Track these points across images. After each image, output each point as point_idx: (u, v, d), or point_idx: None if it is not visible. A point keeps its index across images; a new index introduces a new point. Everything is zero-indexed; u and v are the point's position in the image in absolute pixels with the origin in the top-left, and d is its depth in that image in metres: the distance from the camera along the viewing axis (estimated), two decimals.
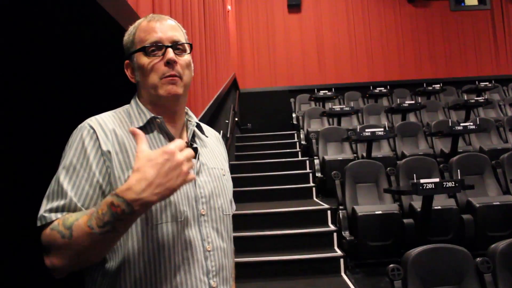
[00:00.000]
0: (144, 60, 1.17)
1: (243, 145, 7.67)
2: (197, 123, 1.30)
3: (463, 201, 4.49)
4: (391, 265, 2.65)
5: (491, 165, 4.96)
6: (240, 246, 4.41)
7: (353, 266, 4.26)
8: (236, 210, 4.39)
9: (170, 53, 1.16)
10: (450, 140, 5.90)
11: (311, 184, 5.84)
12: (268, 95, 10.12)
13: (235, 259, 4.09)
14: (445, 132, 5.71)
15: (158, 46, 1.17)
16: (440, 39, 10.64)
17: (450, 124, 5.68)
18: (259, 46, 10.38)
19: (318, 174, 5.92)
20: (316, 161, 6.18)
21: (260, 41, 10.40)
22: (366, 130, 5.47)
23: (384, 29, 10.56)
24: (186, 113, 1.29)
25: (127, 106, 1.25)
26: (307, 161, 6.50)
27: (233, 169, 6.32)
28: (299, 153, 7.12)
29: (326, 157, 5.93)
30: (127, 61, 1.24)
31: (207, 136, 1.34)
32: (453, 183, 3.62)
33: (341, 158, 5.80)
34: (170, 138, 1.19)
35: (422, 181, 3.59)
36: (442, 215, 4.23)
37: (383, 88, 9.04)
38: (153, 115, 1.19)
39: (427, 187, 3.57)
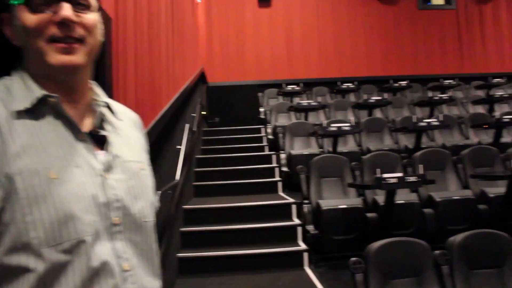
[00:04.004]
0: (28, 17, 0.86)
1: (210, 139, 7.61)
2: (106, 103, 1.00)
3: (425, 195, 4.57)
4: (353, 259, 2.67)
5: (452, 160, 5.07)
6: (204, 240, 4.40)
7: (317, 260, 4.28)
8: (201, 204, 4.34)
9: (66, 10, 0.86)
10: (414, 136, 5.99)
11: (277, 178, 5.84)
12: (237, 89, 10.07)
13: (198, 253, 4.03)
14: (409, 128, 5.80)
15: (47, 0, 0.87)
16: (407, 37, 10.78)
17: (414, 120, 5.76)
18: (229, 40, 10.30)
19: (284, 169, 5.93)
20: (283, 156, 6.18)
21: (230, 34, 10.33)
22: (332, 125, 5.50)
23: (352, 25, 10.63)
24: (91, 90, 0.99)
25: (6, 80, 0.91)
26: (274, 156, 6.49)
27: (199, 163, 6.27)
28: (266, 147, 7.11)
29: (293, 152, 5.94)
30: (4, 15, 0.91)
31: (121, 120, 1.03)
32: (415, 178, 3.68)
33: (307, 153, 5.81)
34: (70, 124, 0.89)
35: (385, 175, 3.63)
36: (405, 209, 4.29)
37: (350, 84, 9.11)
38: (45, 92, 0.88)
39: (390, 182, 3.61)
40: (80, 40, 0.89)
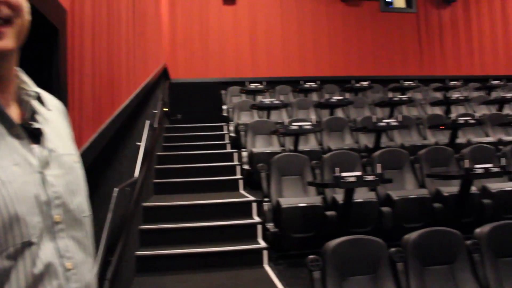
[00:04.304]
0: None
1: (172, 136, 7.53)
2: (37, 92, 0.92)
3: (383, 194, 4.66)
4: (310, 256, 2.70)
5: (410, 160, 5.19)
6: (164, 238, 4.35)
7: (277, 258, 4.30)
8: (161, 202, 4.29)
9: None
10: (374, 136, 6.10)
11: (238, 176, 5.83)
12: (200, 86, 10.00)
13: (157, 251, 3.98)
14: (369, 128, 5.91)
15: None
16: (369, 38, 10.96)
17: (374, 121, 5.86)
18: (192, 37, 10.21)
19: (246, 167, 5.93)
20: (244, 154, 6.18)
21: (194, 31, 10.24)
22: (294, 123, 5.54)
23: (316, 25, 10.72)
24: (18, 78, 0.89)
25: None
26: (236, 154, 6.48)
27: (160, 160, 6.20)
28: (228, 145, 7.09)
29: (254, 150, 5.94)
30: None
31: (50, 110, 0.95)
32: (373, 177, 3.74)
33: (268, 151, 5.83)
34: (2, 117, 0.80)
35: (343, 174, 3.68)
36: (363, 207, 4.36)
37: (313, 83, 9.19)
38: None
39: (348, 180, 3.67)
40: (7, 21, 0.79)
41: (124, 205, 3.51)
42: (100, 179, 2.83)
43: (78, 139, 2.21)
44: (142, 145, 4.48)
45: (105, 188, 2.90)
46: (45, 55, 1.75)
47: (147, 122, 5.11)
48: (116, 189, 2.93)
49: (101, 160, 2.80)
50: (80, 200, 0.91)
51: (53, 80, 1.76)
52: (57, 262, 0.81)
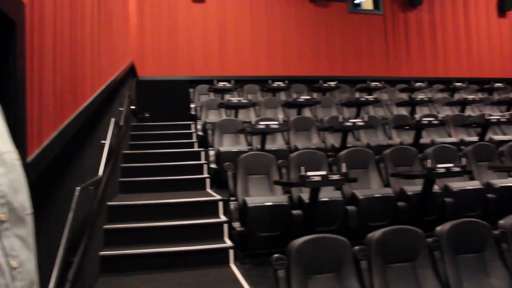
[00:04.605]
0: None
1: (139, 134, 7.44)
2: None
3: (349, 193, 4.72)
4: (275, 255, 2.71)
5: (375, 159, 5.26)
6: (130, 238, 4.29)
7: (243, 257, 4.30)
8: (126, 201, 4.22)
9: None
10: (341, 135, 6.17)
11: (206, 175, 5.80)
12: (168, 84, 9.89)
13: (122, 251, 3.91)
14: (335, 128, 5.96)
15: None
16: (338, 39, 11.07)
17: (340, 120, 5.92)
18: (161, 34, 10.10)
19: (213, 165, 5.91)
20: (211, 152, 6.16)
21: (162, 28, 10.12)
22: (261, 123, 5.55)
23: (285, 25, 10.77)
24: None
25: None
26: (203, 152, 6.45)
27: (126, 158, 6.11)
28: (196, 143, 7.05)
29: (221, 149, 5.93)
30: None
31: None
32: (338, 176, 3.78)
33: (236, 150, 5.82)
34: None
35: (309, 173, 3.70)
36: (329, 206, 4.41)
37: (281, 83, 9.22)
38: None
39: (314, 180, 3.70)
40: None
41: (88, 204, 3.45)
42: (61, 178, 2.76)
43: (38, 137, 2.16)
44: (107, 143, 4.41)
45: (67, 187, 2.84)
46: (1, 50, 1.69)
47: (113, 120, 5.03)
48: (78, 188, 2.87)
49: (63, 159, 2.74)
50: (23, 198, 0.89)
51: (9, 76, 1.71)
52: (3, 261, 0.80)
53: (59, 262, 2.31)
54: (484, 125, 6.56)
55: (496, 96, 10.21)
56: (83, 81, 3.40)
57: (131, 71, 7.85)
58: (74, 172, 3.13)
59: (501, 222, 3.26)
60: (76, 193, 2.83)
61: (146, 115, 9.14)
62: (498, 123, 6.59)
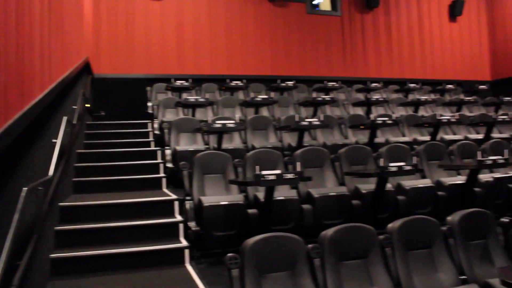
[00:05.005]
0: None
1: (94, 133, 7.27)
2: None
3: (305, 192, 4.76)
4: (229, 254, 2.71)
5: (331, 158, 5.33)
6: (82, 239, 4.18)
7: (199, 257, 4.28)
8: (80, 201, 4.11)
9: None
10: (297, 135, 6.22)
11: (162, 174, 5.73)
12: (125, 82, 9.72)
13: (74, 253, 3.80)
14: (292, 127, 6.00)
15: None
16: (296, 39, 11.17)
17: (296, 120, 5.97)
18: (117, 31, 9.89)
19: (169, 165, 5.84)
20: (168, 152, 6.09)
21: (119, 25, 9.92)
22: (217, 122, 5.52)
23: (243, 24, 10.77)
24: None
25: None
26: (159, 151, 6.37)
27: (80, 158, 5.96)
28: (152, 142, 6.96)
29: (178, 148, 5.87)
30: None
31: None
32: (292, 175, 3.81)
33: (192, 149, 5.78)
34: None
35: (263, 172, 3.71)
36: (284, 205, 4.43)
37: (239, 82, 9.21)
38: None
39: (268, 179, 3.71)
40: None
41: (36, 205, 3.34)
42: (7, 178, 2.66)
43: None
44: (58, 142, 4.28)
45: (13, 188, 2.73)
46: None
47: (65, 118, 4.89)
48: (25, 189, 2.77)
49: (8, 158, 2.64)
50: None
51: None
52: None
53: (1, 266, 2.22)
54: (435, 125, 6.76)
55: (447, 97, 10.55)
56: (31, 78, 3.29)
57: (85, 68, 7.66)
58: (22, 172, 3.03)
59: (449, 218, 3.37)
60: (23, 193, 2.73)
61: (102, 113, 8.94)
62: (449, 123, 6.81)
